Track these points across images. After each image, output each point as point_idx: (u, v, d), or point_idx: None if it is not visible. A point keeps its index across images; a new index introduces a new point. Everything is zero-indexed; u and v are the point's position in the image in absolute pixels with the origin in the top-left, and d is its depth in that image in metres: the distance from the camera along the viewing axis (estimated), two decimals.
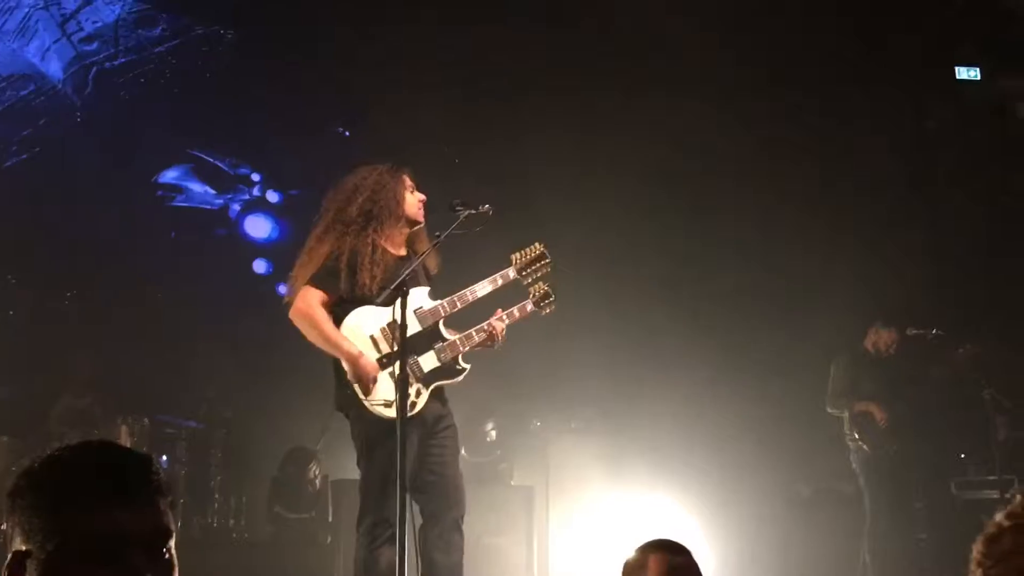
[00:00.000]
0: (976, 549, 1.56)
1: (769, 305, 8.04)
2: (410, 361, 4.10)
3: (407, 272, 3.85)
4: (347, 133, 9.09)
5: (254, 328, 8.18)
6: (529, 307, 4.35)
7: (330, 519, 7.06)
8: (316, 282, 4.14)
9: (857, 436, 6.95)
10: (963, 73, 8.45)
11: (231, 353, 8.05)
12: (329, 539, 6.82)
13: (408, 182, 4.36)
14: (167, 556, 1.42)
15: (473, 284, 4.30)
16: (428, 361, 4.19)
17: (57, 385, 7.33)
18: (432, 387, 4.17)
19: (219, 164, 9.07)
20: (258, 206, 9.16)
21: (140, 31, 8.32)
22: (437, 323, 4.25)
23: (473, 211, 4.17)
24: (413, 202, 4.33)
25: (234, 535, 7.68)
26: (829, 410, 7.19)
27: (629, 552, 2.84)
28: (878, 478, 6.90)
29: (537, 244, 4.36)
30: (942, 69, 8.47)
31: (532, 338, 4.47)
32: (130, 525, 1.38)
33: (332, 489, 7.11)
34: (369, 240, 4.17)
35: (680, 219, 8.16)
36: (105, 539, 1.36)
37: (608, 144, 8.00)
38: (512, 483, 7.19)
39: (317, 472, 7.55)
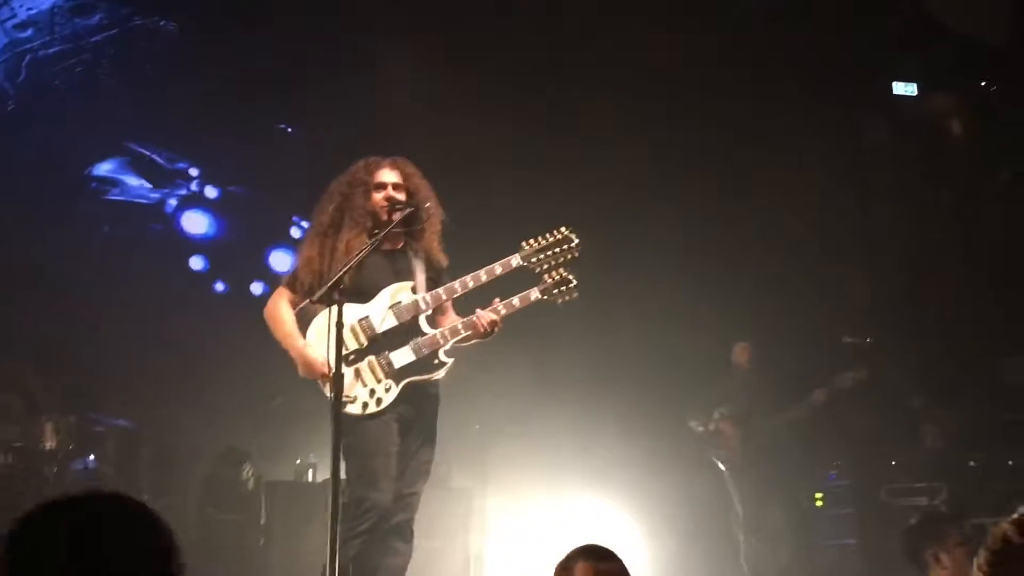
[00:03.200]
0: (982, 558, 1.58)
1: (707, 310, 8.09)
2: (380, 356, 4.13)
3: (341, 273, 3.77)
4: (289, 129, 8.97)
5: (189, 325, 8.02)
6: (534, 295, 4.16)
7: (263, 521, 6.93)
8: (287, 283, 4.35)
9: (713, 455, 7.14)
10: (900, 88, 8.62)
11: (164, 351, 7.89)
12: (262, 541, 6.70)
13: (379, 179, 4.30)
14: None
15: (468, 275, 4.20)
16: (402, 356, 4.14)
17: None
18: (404, 383, 4.12)
19: (156, 158, 8.87)
20: (196, 201, 8.99)
21: (76, 19, 8.12)
22: (416, 318, 4.20)
23: (411, 209, 4.21)
24: (379, 200, 4.27)
25: None
26: (690, 424, 7.35)
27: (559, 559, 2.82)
28: (738, 493, 7.06)
29: (563, 228, 4.19)
30: (879, 84, 8.64)
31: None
32: None
33: (265, 491, 6.99)
34: (337, 244, 4.20)
35: (613, 222, 8.14)
36: None
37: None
38: (451, 485, 7.15)
39: (251, 472, 7.42)
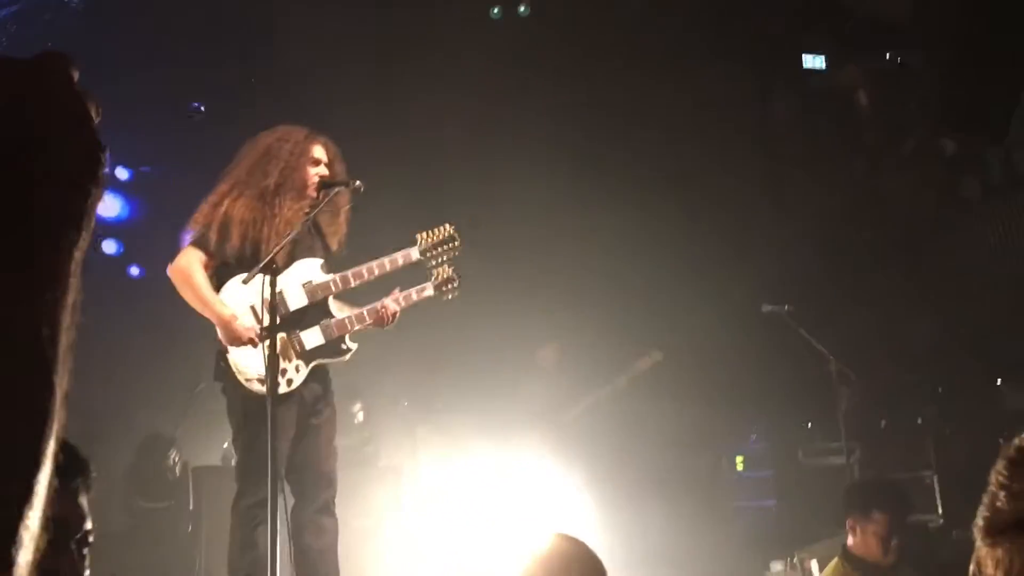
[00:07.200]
0: (997, 472, 1.58)
1: (636, 279, 8.20)
2: (292, 335, 4.04)
3: (277, 250, 3.76)
4: (202, 108, 8.75)
5: (104, 311, 7.81)
6: (428, 290, 4.20)
7: (191, 507, 6.83)
8: (202, 243, 4.10)
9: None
10: (809, 61, 8.83)
11: (80, 338, 7.66)
12: (190, 528, 6.61)
13: (315, 155, 4.23)
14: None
15: (373, 261, 4.17)
16: (312, 337, 4.10)
17: None
18: (312, 364, 4.09)
19: None
20: (106, 184, 8.72)
21: None
22: (326, 298, 4.16)
23: (343, 187, 4.16)
24: (312, 176, 4.21)
25: None
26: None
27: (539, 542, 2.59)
28: None
29: (447, 225, 4.23)
30: (789, 57, 8.83)
31: (403, 318, 4.39)
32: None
33: (193, 476, 6.89)
34: (276, 211, 4.08)
35: (526, 199, 8.15)
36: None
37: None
38: (380, 464, 7.15)
39: (177, 459, 7.30)
